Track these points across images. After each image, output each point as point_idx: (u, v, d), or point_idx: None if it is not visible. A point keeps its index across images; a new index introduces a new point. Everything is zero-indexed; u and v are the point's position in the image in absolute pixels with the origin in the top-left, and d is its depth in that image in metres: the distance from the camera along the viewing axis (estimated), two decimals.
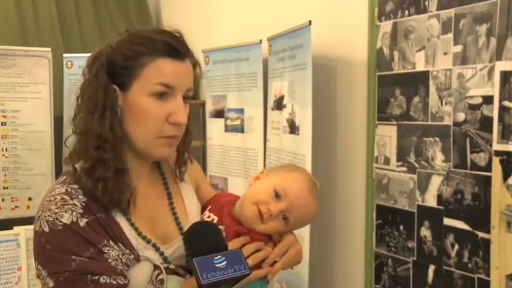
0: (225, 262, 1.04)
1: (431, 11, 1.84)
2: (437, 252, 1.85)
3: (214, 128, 2.84)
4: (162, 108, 1.15)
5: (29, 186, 2.79)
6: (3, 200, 2.74)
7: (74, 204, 1.14)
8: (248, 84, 2.58)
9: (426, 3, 1.86)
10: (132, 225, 1.19)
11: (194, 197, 1.39)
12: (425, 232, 1.89)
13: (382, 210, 2.07)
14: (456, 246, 1.78)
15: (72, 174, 1.18)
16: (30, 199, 2.79)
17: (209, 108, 2.87)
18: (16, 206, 2.76)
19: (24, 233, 2.21)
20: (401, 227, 1.99)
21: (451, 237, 1.80)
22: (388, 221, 2.04)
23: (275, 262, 1.29)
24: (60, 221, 1.11)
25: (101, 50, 1.19)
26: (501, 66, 1.62)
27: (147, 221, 1.23)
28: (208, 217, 1.34)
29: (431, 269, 1.87)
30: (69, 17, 3.22)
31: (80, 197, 1.15)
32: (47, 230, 1.12)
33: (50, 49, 2.86)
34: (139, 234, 1.19)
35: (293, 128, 2.22)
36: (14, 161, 2.77)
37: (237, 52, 2.64)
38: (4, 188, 2.74)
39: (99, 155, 1.15)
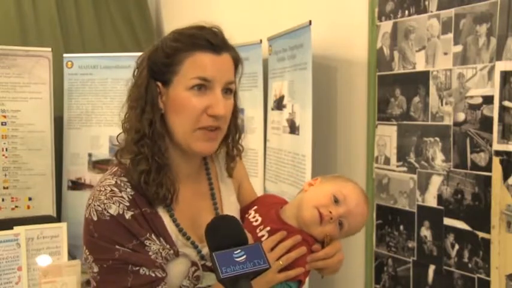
0: (244, 256, 1.04)
1: (431, 11, 1.84)
2: (437, 252, 1.85)
3: None
4: (200, 101, 1.19)
5: (29, 186, 2.78)
6: (3, 200, 2.73)
7: (122, 196, 1.19)
8: (248, 84, 2.58)
9: (426, 3, 1.86)
10: (174, 221, 1.23)
11: (234, 197, 1.41)
12: (425, 232, 1.89)
13: (382, 210, 2.07)
14: (456, 246, 1.78)
15: (123, 167, 1.23)
16: (30, 199, 2.78)
17: None
18: (16, 206, 2.75)
19: (24, 233, 2.20)
20: (401, 227, 1.99)
21: (451, 237, 1.80)
22: (388, 221, 2.04)
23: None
24: (108, 212, 1.17)
25: (147, 51, 1.25)
26: (501, 66, 1.62)
27: (190, 221, 1.26)
28: (253, 217, 1.37)
29: (432, 269, 1.87)
30: (69, 17, 3.21)
31: (128, 190, 1.20)
32: (95, 218, 1.17)
33: (50, 49, 2.85)
34: (181, 230, 1.23)
35: (293, 128, 2.22)
36: (14, 161, 2.76)
37: None
38: (4, 188, 2.73)
39: (139, 149, 1.20)
